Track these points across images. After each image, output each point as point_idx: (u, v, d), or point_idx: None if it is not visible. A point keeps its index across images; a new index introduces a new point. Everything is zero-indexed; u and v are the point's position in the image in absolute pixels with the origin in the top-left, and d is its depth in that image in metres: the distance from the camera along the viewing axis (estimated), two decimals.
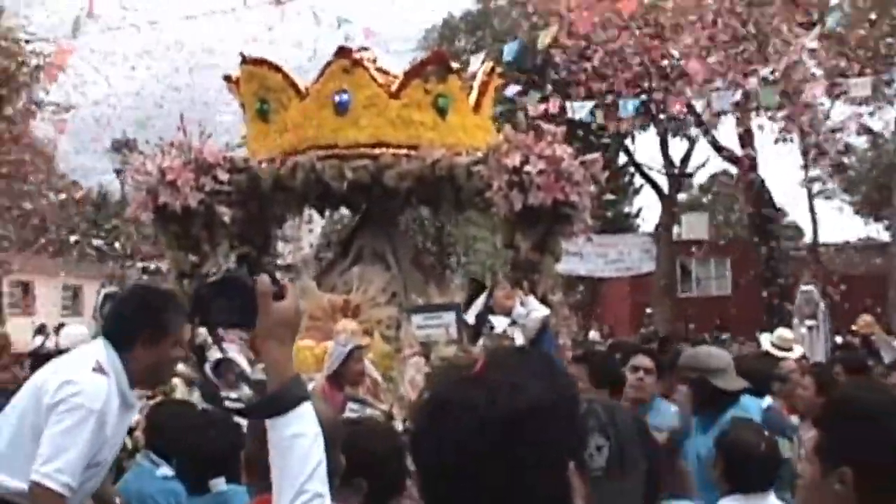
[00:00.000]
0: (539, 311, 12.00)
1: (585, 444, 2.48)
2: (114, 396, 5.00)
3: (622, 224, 51.74)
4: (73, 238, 39.16)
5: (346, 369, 10.04)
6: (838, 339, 21.86)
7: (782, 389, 9.94)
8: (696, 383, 7.37)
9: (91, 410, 4.84)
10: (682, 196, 50.79)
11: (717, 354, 8.03)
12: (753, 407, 7.88)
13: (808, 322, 19.40)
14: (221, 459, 5.66)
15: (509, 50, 24.88)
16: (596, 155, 14.10)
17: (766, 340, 15.20)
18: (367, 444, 5.15)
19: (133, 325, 5.21)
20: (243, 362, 9.74)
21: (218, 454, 5.69)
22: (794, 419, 9.37)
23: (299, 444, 3.24)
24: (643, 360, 8.30)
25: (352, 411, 9.24)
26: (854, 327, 20.58)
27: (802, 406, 9.50)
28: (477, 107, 14.56)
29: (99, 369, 5.02)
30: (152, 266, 35.66)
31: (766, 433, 6.36)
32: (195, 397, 11.78)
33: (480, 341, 11.27)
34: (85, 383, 4.90)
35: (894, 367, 12.85)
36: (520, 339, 11.51)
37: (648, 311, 41.60)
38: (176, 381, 11.61)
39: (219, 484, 5.56)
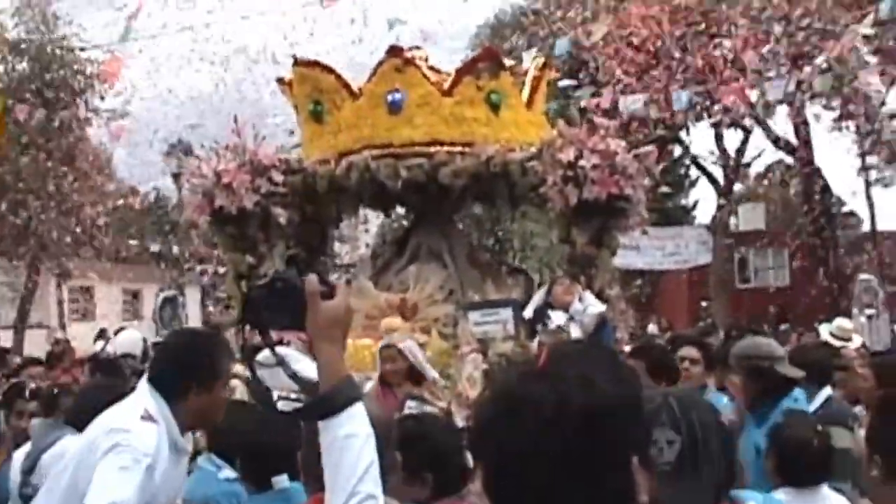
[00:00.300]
0: (596, 306, 11.99)
1: (650, 439, 2.46)
2: (164, 444, 4.85)
3: (679, 217, 51.50)
4: (131, 242, 39.44)
5: (382, 370, 10.09)
6: None
7: (844, 379, 9.89)
8: (753, 372, 7.36)
9: (141, 456, 4.63)
10: (738, 187, 50.49)
11: (773, 343, 8.03)
12: (805, 398, 7.87)
13: (868, 311, 19.31)
14: (284, 456, 5.68)
15: (561, 45, 24.89)
16: (650, 148, 14.08)
17: (825, 331, 15.13)
18: (431, 439, 5.19)
19: (182, 374, 5.08)
20: (305, 363, 9.78)
21: (279, 451, 5.70)
22: (858, 409, 9.32)
23: (351, 445, 3.25)
24: (690, 351, 8.31)
25: (410, 409, 9.26)
26: None
27: (864, 396, 9.45)
28: (529, 102, 14.56)
29: (147, 417, 4.88)
30: (210, 269, 35.91)
31: (821, 426, 6.34)
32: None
33: (537, 336, 11.25)
34: (134, 430, 4.73)
35: None
36: (577, 334, 11.49)
37: (704, 303, 41.40)
38: (235, 382, 11.66)
39: (281, 481, 5.59)
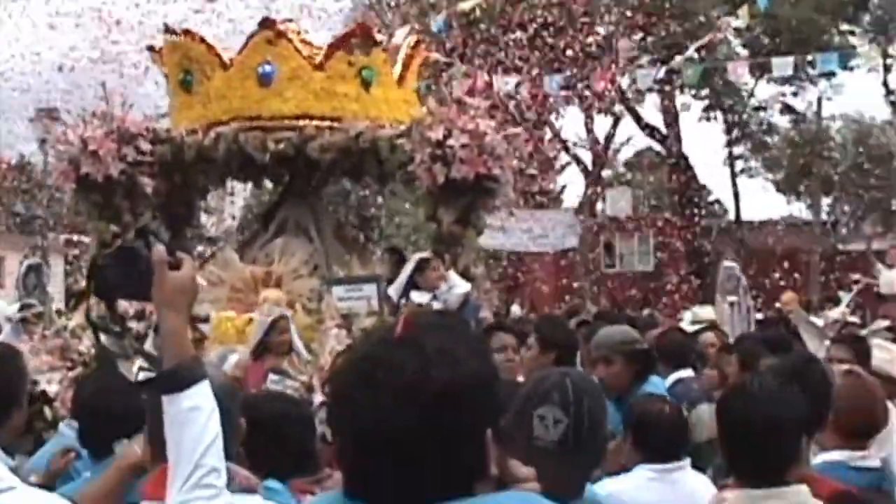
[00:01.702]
0: (461, 287, 12.08)
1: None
2: None
3: (547, 200, 51.89)
4: None
5: (270, 340, 10.07)
6: (758, 316, 22.05)
7: (705, 364, 10.11)
8: (632, 357, 7.53)
9: None
10: (606, 173, 51.05)
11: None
12: (661, 384, 8.03)
13: (730, 298, 19.56)
14: (123, 422, 5.56)
15: (437, 22, 24.95)
16: (519, 129, 14.20)
17: (686, 318, 15.35)
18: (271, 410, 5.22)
19: None
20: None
21: (118, 416, 5.59)
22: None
23: (195, 418, 3.27)
24: (507, 339, 8.29)
25: (273, 382, 9.26)
26: (778, 304, 20.82)
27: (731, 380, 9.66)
28: (401, 80, 14.56)
29: None
30: (75, 238, 35.40)
31: (670, 401, 6.48)
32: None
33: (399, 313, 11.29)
34: None
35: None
36: None
37: (576, 285, 41.74)
38: (94, 351, 11.58)
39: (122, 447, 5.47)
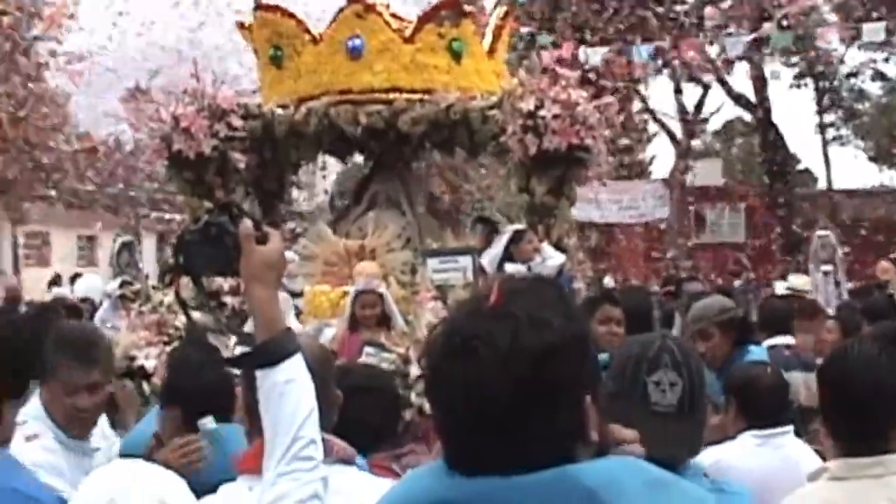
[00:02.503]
0: (555, 258, 12.05)
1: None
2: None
3: (636, 171, 51.63)
4: (87, 188, 39.19)
5: (356, 313, 10.10)
6: (849, 285, 21.83)
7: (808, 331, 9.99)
8: (727, 326, 7.48)
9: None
10: (695, 143, 50.66)
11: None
12: (761, 352, 7.96)
13: (824, 267, 19.39)
14: (208, 399, 5.52)
15: None
16: (611, 98, 14.11)
17: (780, 287, 15.22)
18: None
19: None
20: None
21: (202, 393, 5.55)
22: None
23: (291, 390, 3.27)
24: (613, 311, 8.21)
25: (368, 355, 9.28)
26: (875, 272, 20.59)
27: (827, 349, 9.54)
28: (491, 51, 14.50)
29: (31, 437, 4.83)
30: (166, 216, 35.78)
31: (773, 368, 6.41)
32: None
33: None
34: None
35: None
36: None
37: (670, 255, 41.49)
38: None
39: (207, 423, 5.43)
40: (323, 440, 3.46)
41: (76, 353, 5.09)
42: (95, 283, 19.70)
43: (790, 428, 5.95)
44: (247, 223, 3.30)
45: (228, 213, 3.41)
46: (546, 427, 2.27)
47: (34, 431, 4.94)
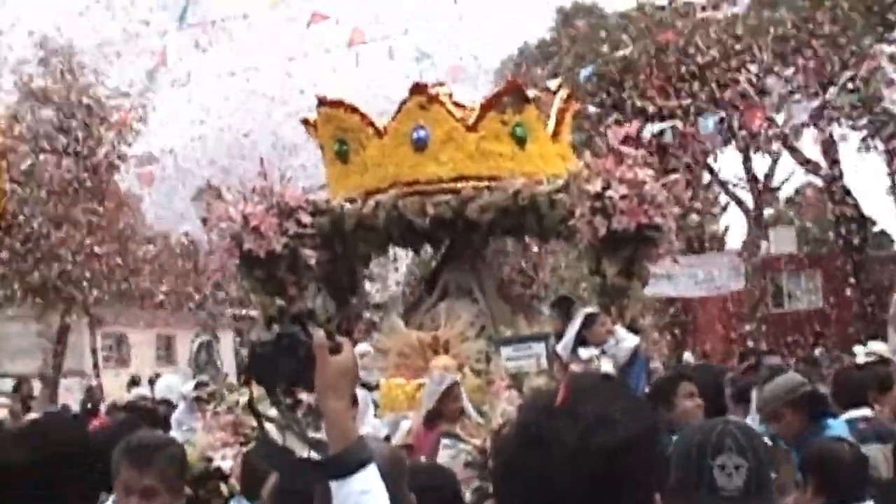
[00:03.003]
0: (629, 340, 11.95)
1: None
2: None
3: (710, 243, 51.36)
4: (163, 288, 39.55)
5: (444, 407, 9.99)
6: None
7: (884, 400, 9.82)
8: (799, 404, 7.39)
9: None
10: (768, 211, 50.38)
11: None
12: (840, 426, 7.82)
13: None
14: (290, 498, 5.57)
15: (585, 73, 24.99)
16: (677, 176, 14.06)
17: (860, 353, 14.98)
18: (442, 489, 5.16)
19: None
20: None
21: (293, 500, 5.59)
22: None
23: (366, 501, 3.23)
24: (690, 386, 8.13)
25: (445, 447, 9.20)
26: None
27: None
28: (555, 134, 14.52)
29: None
30: (243, 312, 35.94)
31: (851, 443, 6.30)
32: (289, 443, 11.83)
33: (570, 369, 11.17)
34: None
35: None
36: (609, 368, 11.42)
37: (747, 328, 41.14)
38: (268, 426, 11.63)
39: None
40: None
41: (133, 455, 5.09)
42: (174, 384, 19.76)
43: (870, 503, 5.84)
44: (320, 333, 3.30)
45: (300, 323, 3.41)
46: None
47: None
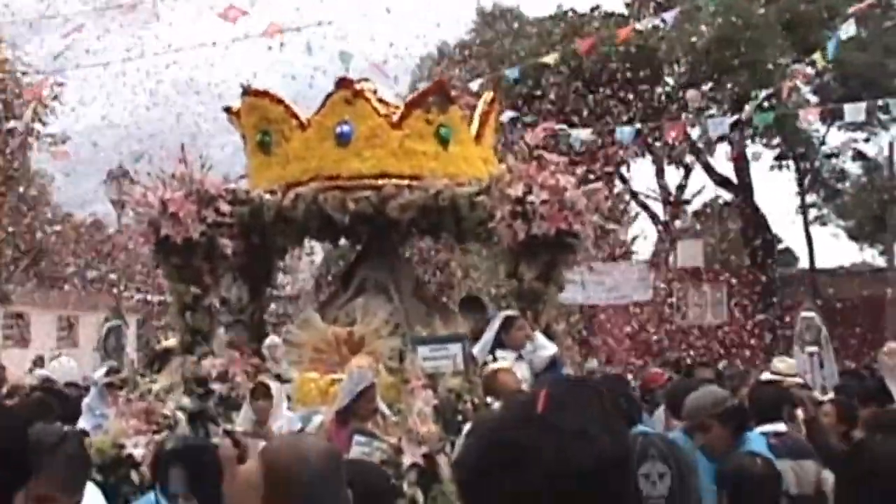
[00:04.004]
0: (548, 348, 12.06)
1: (638, 490, 2.46)
2: None
3: (618, 252, 51.73)
4: (68, 270, 39.15)
5: (358, 406, 10.01)
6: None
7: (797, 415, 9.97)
8: (729, 417, 7.46)
9: None
10: (677, 223, 50.87)
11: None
12: (759, 440, 7.93)
13: (809, 349, 19.29)
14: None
15: (511, 74, 25.11)
16: (599, 184, 14.14)
17: (771, 370, 15.16)
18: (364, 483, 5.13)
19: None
20: None
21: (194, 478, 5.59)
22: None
23: None
24: None
25: (359, 444, 9.21)
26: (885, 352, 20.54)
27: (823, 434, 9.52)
28: (478, 137, 14.53)
29: None
30: (148, 297, 35.68)
31: (765, 458, 6.38)
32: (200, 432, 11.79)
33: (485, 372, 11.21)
34: None
35: None
36: (526, 374, 11.51)
37: (656, 338, 41.49)
38: (180, 415, 11.58)
39: None
40: None
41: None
42: (68, 367, 19.61)
43: None
44: (226, 443, 3.32)
45: (202, 422, 3.42)
46: None
47: None
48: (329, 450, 4.32)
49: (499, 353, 11.88)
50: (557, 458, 2.24)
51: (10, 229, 34.37)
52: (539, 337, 12.23)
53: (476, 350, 12.10)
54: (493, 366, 11.18)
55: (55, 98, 33.74)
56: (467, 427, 9.99)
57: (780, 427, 9.07)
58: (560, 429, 2.29)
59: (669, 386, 11.94)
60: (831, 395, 12.64)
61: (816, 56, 26.14)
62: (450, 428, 10.36)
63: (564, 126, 27.63)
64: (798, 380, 13.73)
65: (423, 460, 9.22)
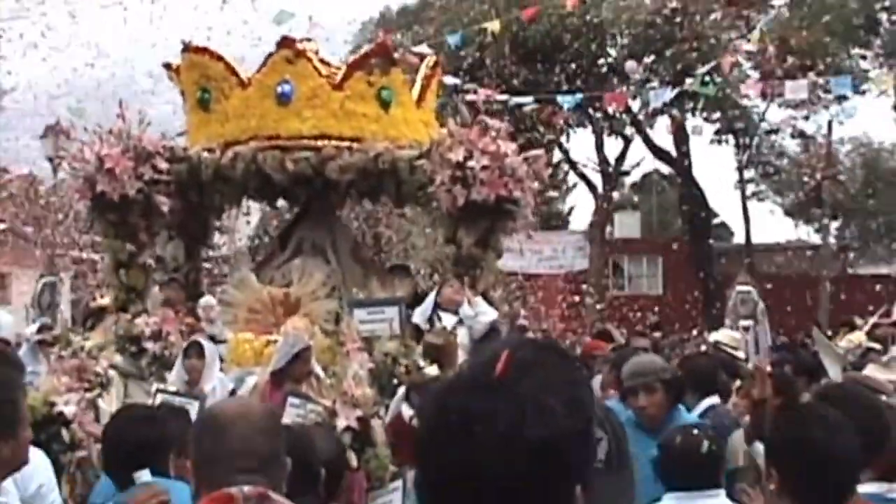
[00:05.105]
0: (488, 314, 12.07)
1: (593, 463, 2.38)
2: None
3: (556, 221, 51.86)
4: (1, 226, 38.73)
5: (292, 368, 9.96)
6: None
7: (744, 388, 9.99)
8: (672, 385, 7.46)
9: None
10: (615, 195, 51.03)
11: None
12: (691, 417, 7.94)
13: (744, 323, 19.35)
14: (144, 452, 5.53)
15: (454, 39, 25.03)
16: (540, 151, 14.12)
17: (713, 340, 15.23)
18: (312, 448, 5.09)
19: None
20: None
21: (140, 446, 5.55)
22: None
23: None
24: None
25: (293, 406, 9.14)
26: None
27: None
28: (420, 100, 14.45)
29: None
30: (84, 255, 35.35)
31: (708, 432, 6.34)
32: (132, 391, 11.69)
33: (427, 337, 11.18)
34: None
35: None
36: (464, 339, 11.51)
37: (599, 307, 41.61)
38: (112, 373, 11.47)
39: (142, 476, 5.38)
40: (274, 502, 3.44)
41: None
42: (6, 321, 19.37)
43: (720, 491, 5.89)
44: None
45: None
46: None
47: None
48: (269, 409, 4.29)
49: (441, 314, 11.88)
50: (511, 428, 2.16)
51: None
52: (480, 302, 12.24)
53: (417, 317, 12.08)
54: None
55: None
56: (401, 391, 9.99)
57: (714, 400, 9.10)
58: (518, 395, 2.19)
59: (616, 354, 11.92)
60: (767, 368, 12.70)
61: (755, 32, 26.26)
62: (385, 391, 10.32)
63: (506, 94, 27.63)
64: (740, 353, 13.80)
65: (357, 423, 9.15)
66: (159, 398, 9.65)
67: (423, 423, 2.35)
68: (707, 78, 28.50)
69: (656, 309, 41.83)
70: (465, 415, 2.20)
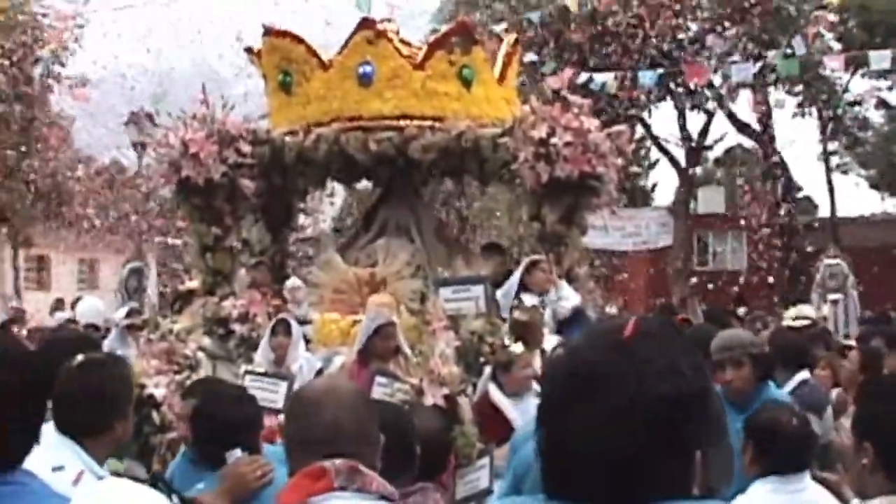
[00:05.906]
0: (572, 299, 12.01)
1: (717, 434, 2.39)
2: None
3: (639, 198, 51.59)
4: (89, 212, 39.15)
5: (375, 345, 9.96)
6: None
7: (825, 364, 9.90)
8: (758, 361, 7.36)
9: None
10: (698, 170, 50.67)
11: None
12: (780, 391, 7.84)
13: (832, 296, 19.21)
14: (236, 430, 5.60)
15: (534, 17, 24.98)
16: (623, 127, 14.08)
17: (788, 317, 15.11)
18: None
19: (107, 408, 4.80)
20: None
21: (232, 426, 5.62)
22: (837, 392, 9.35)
23: None
24: None
25: (380, 385, 9.15)
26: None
27: (845, 380, 9.45)
28: (501, 78, 14.42)
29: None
30: (170, 241, 35.72)
31: (797, 411, 6.25)
32: (220, 372, 11.78)
33: (514, 314, 11.14)
34: None
35: None
36: (549, 318, 11.49)
37: (693, 281, 41.33)
38: (200, 355, 11.57)
39: (235, 454, 5.45)
40: (365, 476, 3.45)
41: None
42: (96, 306, 19.60)
43: (806, 474, 5.81)
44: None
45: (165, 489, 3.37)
46: (655, 477, 2.23)
47: None
48: (359, 391, 4.31)
49: (523, 296, 11.84)
50: (640, 385, 2.20)
51: (32, 176, 34.38)
52: (564, 286, 12.21)
53: (501, 297, 12.05)
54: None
55: (76, 40, 33.65)
56: (487, 370, 10.00)
57: (805, 375, 9.00)
58: (644, 357, 2.25)
59: (694, 327, 11.84)
60: (854, 342, 12.58)
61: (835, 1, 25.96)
62: (471, 370, 10.33)
63: (588, 72, 27.51)
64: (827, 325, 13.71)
65: (444, 401, 9.15)
66: (248, 380, 9.70)
67: (548, 385, 2.38)
68: (788, 51, 28.22)
69: (741, 280, 41.46)
70: (594, 374, 2.25)
